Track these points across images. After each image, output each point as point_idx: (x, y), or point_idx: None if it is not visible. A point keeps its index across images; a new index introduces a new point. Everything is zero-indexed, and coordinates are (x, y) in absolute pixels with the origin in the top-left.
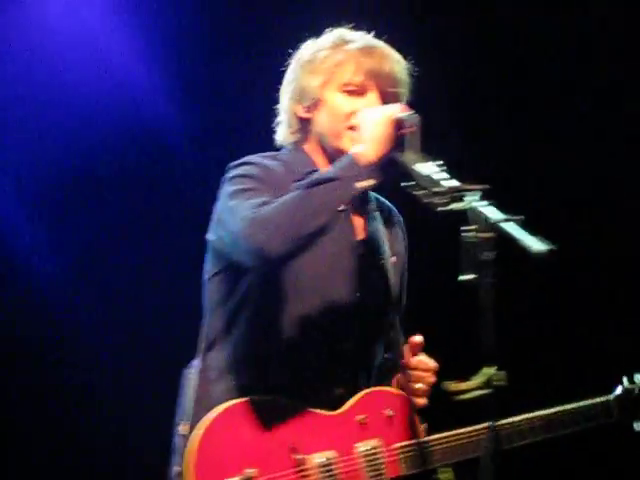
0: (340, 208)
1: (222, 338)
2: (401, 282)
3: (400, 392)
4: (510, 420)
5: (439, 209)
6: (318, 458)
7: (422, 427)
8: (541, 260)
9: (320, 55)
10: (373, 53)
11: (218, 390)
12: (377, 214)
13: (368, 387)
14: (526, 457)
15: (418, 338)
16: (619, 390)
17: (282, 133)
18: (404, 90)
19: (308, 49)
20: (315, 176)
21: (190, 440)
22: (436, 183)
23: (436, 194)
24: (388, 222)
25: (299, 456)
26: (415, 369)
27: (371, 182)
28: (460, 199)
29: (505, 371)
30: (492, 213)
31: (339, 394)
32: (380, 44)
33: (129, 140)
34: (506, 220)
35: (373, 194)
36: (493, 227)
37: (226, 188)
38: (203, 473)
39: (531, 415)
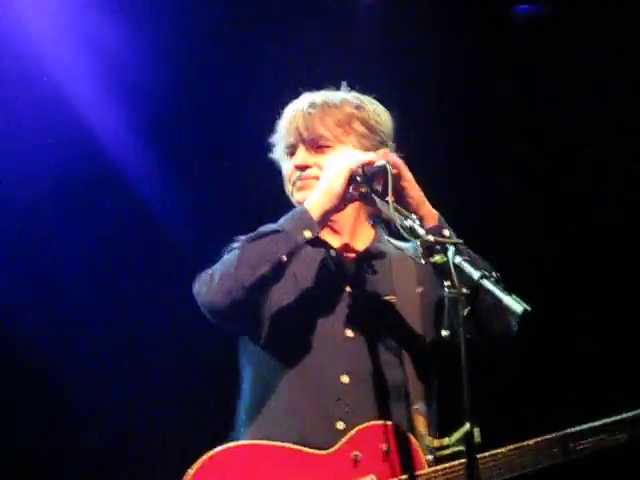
0: (283, 259)
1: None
2: (411, 319)
3: (396, 425)
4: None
5: (422, 261)
6: None
7: (425, 459)
8: (522, 320)
9: (276, 126)
10: (303, 110)
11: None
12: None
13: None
14: None
15: None
16: None
17: None
18: (333, 134)
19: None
20: (261, 228)
21: None
22: (418, 236)
23: (419, 247)
24: (395, 262)
25: None
26: None
27: (315, 233)
28: (440, 252)
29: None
30: (472, 270)
31: (340, 429)
32: (320, 100)
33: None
34: (485, 277)
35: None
36: (473, 284)
37: None
38: None
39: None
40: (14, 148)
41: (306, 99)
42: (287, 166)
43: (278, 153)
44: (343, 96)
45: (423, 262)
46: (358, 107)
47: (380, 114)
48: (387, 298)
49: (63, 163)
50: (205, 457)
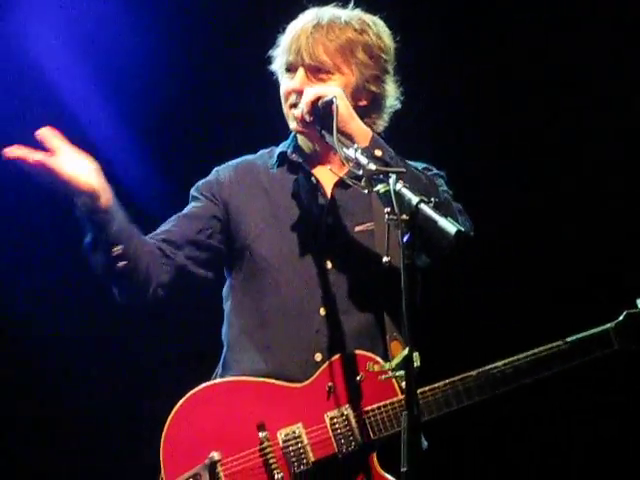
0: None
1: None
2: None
3: (370, 355)
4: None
5: (364, 191)
6: (284, 432)
7: (398, 386)
8: (459, 242)
9: (279, 40)
10: (307, 30)
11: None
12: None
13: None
14: None
15: None
16: (622, 317)
17: None
18: (334, 62)
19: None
20: None
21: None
22: (362, 165)
23: (361, 176)
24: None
25: (263, 433)
26: None
27: None
28: (382, 181)
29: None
30: (411, 196)
31: (318, 360)
32: (326, 20)
33: None
34: (424, 202)
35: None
36: (412, 209)
37: None
38: (171, 461)
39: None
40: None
41: (311, 16)
42: (285, 83)
43: (278, 67)
44: (348, 17)
45: (366, 191)
46: (362, 31)
47: (384, 38)
48: (364, 227)
49: None
50: (187, 395)
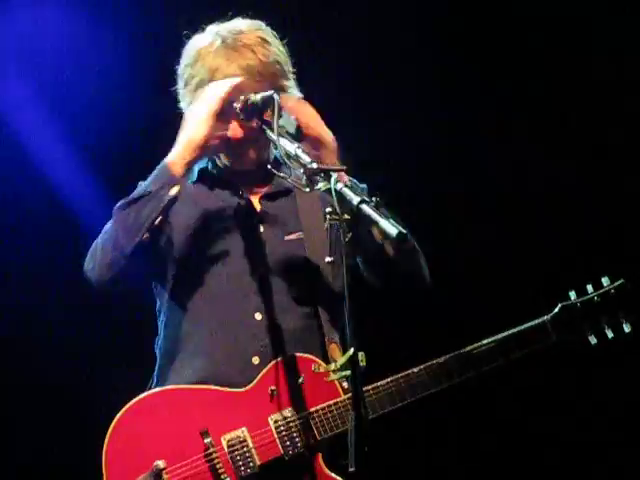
0: (156, 222)
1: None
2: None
3: (311, 357)
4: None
5: (305, 190)
6: (228, 437)
7: (340, 387)
8: (401, 242)
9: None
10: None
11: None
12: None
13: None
14: None
15: None
16: (557, 309)
17: None
18: None
19: None
20: (134, 192)
21: None
22: (303, 164)
23: (302, 175)
24: (303, 197)
25: (207, 439)
26: None
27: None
28: (323, 180)
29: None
30: (353, 196)
31: (256, 364)
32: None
33: None
34: (365, 202)
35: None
36: (353, 209)
37: None
38: (114, 474)
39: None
40: None
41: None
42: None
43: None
44: (255, 34)
45: (307, 190)
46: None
47: (282, 48)
48: (294, 236)
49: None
50: (125, 407)
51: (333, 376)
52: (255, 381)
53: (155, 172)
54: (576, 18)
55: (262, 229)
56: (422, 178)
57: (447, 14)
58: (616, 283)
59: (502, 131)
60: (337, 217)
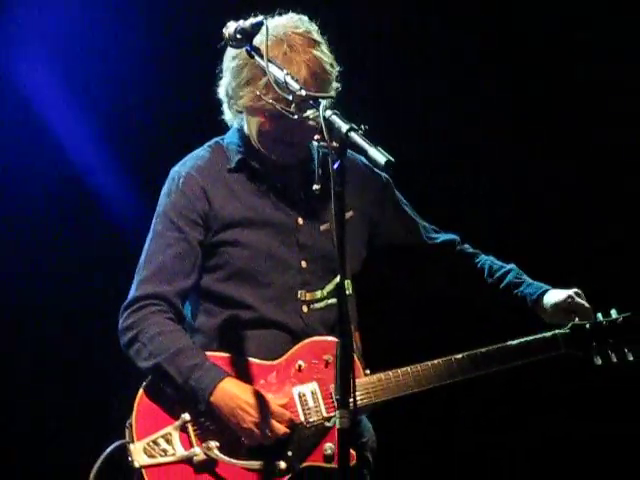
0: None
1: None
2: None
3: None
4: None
5: (294, 117)
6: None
7: (363, 372)
8: (389, 170)
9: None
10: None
11: None
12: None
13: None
14: None
15: None
16: (567, 328)
17: None
18: None
19: None
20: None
21: None
22: (292, 91)
23: (291, 101)
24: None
25: None
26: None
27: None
28: (312, 107)
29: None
30: (341, 123)
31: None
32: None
33: None
34: (354, 130)
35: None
36: (342, 136)
37: (157, 210)
38: (143, 422)
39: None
40: None
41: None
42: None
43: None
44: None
45: (296, 117)
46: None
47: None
48: (326, 226)
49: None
50: None
51: (319, 304)
52: (285, 356)
53: (194, 387)
54: (576, 18)
55: (302, 220)
56: (422, 178)
57: (447, 14)
58: (624, 315)
59: (502, 131)
60: (326, 144)
